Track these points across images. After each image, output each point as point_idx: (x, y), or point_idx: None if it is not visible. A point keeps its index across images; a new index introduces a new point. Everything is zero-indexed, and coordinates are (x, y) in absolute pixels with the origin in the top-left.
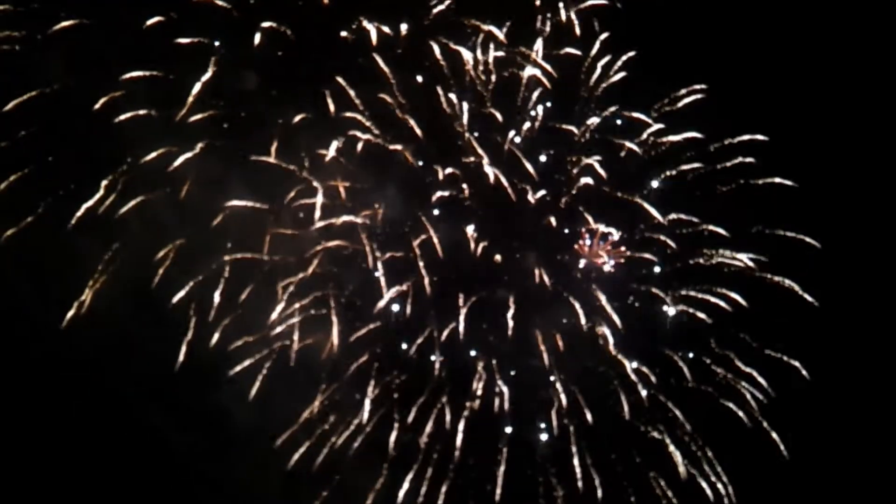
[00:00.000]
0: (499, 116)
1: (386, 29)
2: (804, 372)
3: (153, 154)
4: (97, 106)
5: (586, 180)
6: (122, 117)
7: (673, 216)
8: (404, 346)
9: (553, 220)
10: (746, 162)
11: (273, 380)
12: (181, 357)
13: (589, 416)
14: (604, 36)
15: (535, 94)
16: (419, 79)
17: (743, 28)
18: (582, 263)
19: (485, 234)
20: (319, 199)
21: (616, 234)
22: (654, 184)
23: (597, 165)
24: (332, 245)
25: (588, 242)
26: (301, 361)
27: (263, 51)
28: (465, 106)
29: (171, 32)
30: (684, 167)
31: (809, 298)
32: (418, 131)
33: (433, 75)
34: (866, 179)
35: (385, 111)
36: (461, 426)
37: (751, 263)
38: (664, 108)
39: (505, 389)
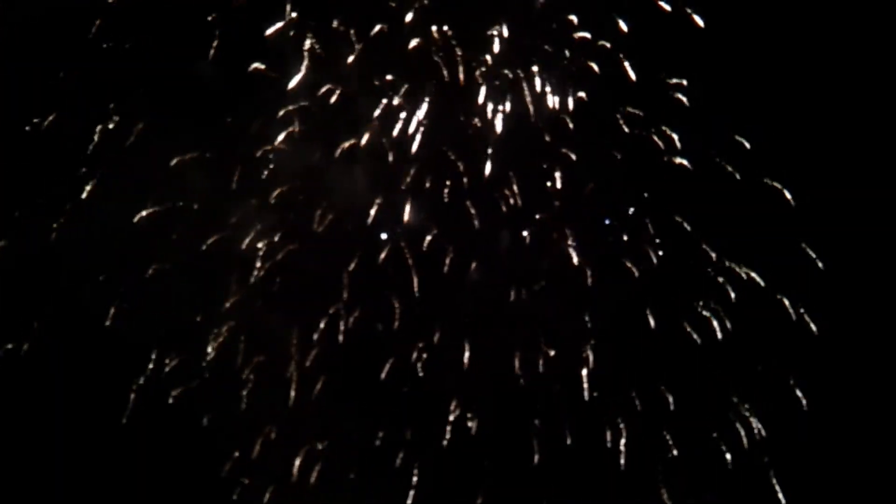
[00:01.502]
0: (463, 111)
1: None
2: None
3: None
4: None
5: (561, 179)
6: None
7: (660, 223)
8: (370, 365)
9: (524, 230)
10: (748, 166)
11: (223, 401)
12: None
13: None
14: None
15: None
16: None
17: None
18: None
19: (452, 240)
20: (272, 200)
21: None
22: (639, 184)
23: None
24: (287, 251)
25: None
26: (254, 380)
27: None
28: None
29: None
30: (674, 168)
31: (812, 325)
32: (378, 127)
33: (393, 69)
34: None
35: (343, 104)
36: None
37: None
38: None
39: (479, 417)
